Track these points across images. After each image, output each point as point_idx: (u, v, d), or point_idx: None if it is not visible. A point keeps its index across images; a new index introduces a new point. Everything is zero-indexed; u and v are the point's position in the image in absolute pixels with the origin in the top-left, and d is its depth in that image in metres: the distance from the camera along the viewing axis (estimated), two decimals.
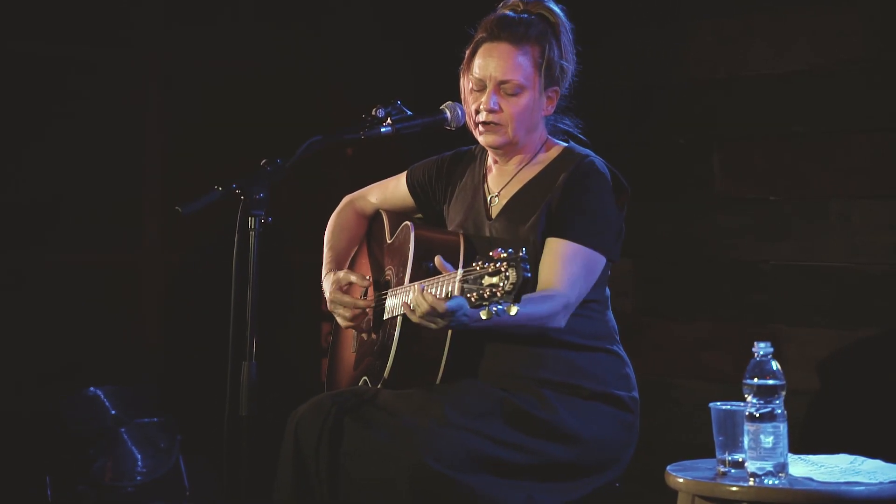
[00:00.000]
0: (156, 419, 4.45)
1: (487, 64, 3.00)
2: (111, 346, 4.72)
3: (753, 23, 4.25)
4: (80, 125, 4.68)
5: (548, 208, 2.97)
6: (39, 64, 4.63)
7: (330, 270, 3.29)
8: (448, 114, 3.07)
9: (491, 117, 3.00)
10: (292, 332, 4.86)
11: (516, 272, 2.43)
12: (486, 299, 2.48)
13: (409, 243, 3.04)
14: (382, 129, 2.98)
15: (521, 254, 2.45)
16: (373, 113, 2.98)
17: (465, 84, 3.08)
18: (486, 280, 2.48)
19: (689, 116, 4.42)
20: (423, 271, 2.96)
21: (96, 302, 4.72)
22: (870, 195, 3.99)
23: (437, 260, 2.70)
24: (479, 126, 3.03)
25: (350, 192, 3.49)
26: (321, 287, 3.30)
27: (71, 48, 4.68)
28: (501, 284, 2.45)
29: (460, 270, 2.58)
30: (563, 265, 2.84)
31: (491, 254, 2.50)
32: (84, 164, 4.70)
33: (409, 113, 3.01)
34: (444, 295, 2.67)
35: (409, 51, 5.07)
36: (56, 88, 4.65)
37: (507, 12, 3.06)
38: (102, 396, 4.44)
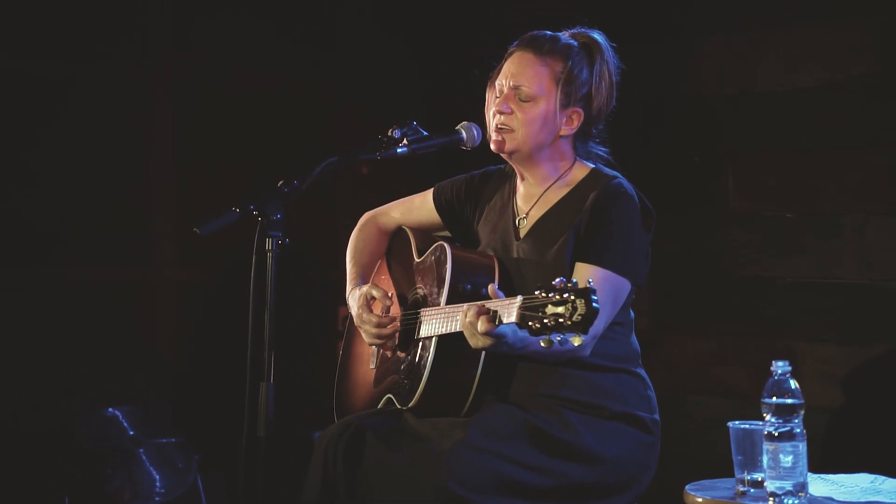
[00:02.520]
0: (174, 439, 4.46)
1: (509, 70, 3.03)
2: (126, 364, 4.72)
3: (764, 38, 4.26)
4: (91, 140, 4.69)
5: (576, 231, 2.97)
6: (48, 81, 4.64)
7: (355, 286, 3.28)
8: (464, 134, 3.08)
9: (501, 119, 3.01)
10: (308, 352, 4.86)
11: (586, 304, 2.43)
12: (549, 328, 2.47)
13: (445, 264, 3.03)
14: (399, 150, 2.98)
15: (589, 285, 2.45)
16: (389, 133, 2.99)
17: (490, 95, 3.10)
18: (550, 309, 2.47)
19: (700, 132, 4.43)
20: (461, 293, 2.96)
21: (110, 320, 4.72)
22: (883, 210, 3.99)
23: (491, 288, 2.69)
24: (493, 133, 3.04)
25: (366, 211, 3.49)
26: (340, 305, 3.30)
27: (79, 63, 4.69)
28: (567, 315, 2.44)
29: (520, 297, 2.56)
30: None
31: (553, 283, 2.49)
32: (98, 181, 4.70)
33: (425, 133, 3.02)
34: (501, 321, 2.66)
35: (420, 63, 5.08)
36: (66, 104, 4.66)
37: (546, 31, 3.07)
38: (120, 417, 4.45)
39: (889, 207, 3.98)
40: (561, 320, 2.45)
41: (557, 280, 2.49)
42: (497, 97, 3.05)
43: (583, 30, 3.10)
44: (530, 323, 2.51)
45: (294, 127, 5.06)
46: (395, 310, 3.22)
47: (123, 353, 4.72)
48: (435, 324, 2.95)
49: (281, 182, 2.79)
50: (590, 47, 3.06)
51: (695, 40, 4.44)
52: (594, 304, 2.42)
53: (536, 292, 2.51)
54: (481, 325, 2.65)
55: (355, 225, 3.46)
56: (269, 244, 2.73)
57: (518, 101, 3.00)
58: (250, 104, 5.01)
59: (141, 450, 4.41)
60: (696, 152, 4.43)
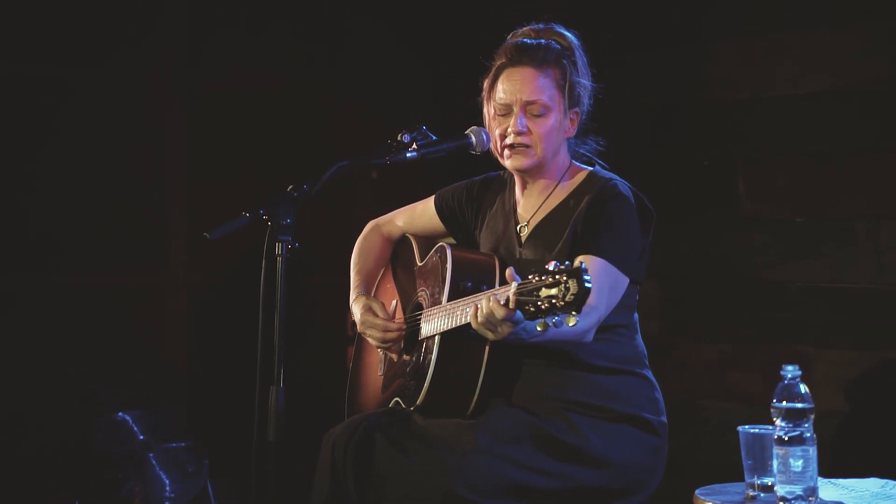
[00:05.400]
0: (184, 443, 4.46)
1: (512, 87, 3.03)
2: (135, 368, 4.73)
3: (777, 43, 4.25)
4: (102, 145, 4.70)
5: (573, 230, 2.99)
6: (57, 85, 4.66)
7: (359, 294, 3.30)
8: (473, 138, 3.08)
9: (519, 139, 3.02)
10: (318, 356, 4.87)
11: (577, 283, 2.45)
12: (543, 311, 2.49)
13: (446, 263, 3.06)
14: (408, 155, 2.99)
15: (580, 265, 2.47)
16: (398, 138, 3.00)
17: (489, 110, 3.10)
18: (544, 292, 2.49)
19: (712, 136, 4.42)
20: (462, 290, 2.98)
21: (120, 324, 4.73)
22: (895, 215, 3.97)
23: (509, 272, 2.67)
24: (507, 150, 3.04)
25: (375, 216, 3.51)
26: (349, 310, 3.31)
27: (90, 68, 4.70)
28: (560, 295, 2.47)
29: (514, 283, 2.58)
30: (592, 280, 2.83)
31: (547, 266, 2.51)
32: (107, 185, 4.72)
33: (434, 138, 3.02)
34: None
35: (430, 66, 5.09)
36: (76, 109, 4.67)
37: (524, 39, 3.08)
38: (130, 421, 4.46)
39: None
40: (554, 301, 2.47)
41: (552, 264, 2.50)
42: (499, 115, 3.05)
43: (552, 26, 3.12)
44: (527, 307, 2.53)
45: (305, 130, 5.07)
46: (400, 315, 3.24)
47: (134, 358, 4.73)
48: (436, 322, 2.97)
49: (291, 186, 2.79)
50: (564, 45, 3.09)
51: (706, 45, 4.43)
52: (586, 284, 2.44)
53: (530, 276, 2.54)
54: (498, 312, 2.65)
55: (364, 223, 3.48)
56: (278, 248, 2.74)
57: (531, 117, 3.01)
58: (261, 108, 5.02)
59: (151, 454, 4.42)
60: (708, 157, 4.43)
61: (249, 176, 4.85)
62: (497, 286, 2.96)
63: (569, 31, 3.12)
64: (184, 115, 4.91)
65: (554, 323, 2.49)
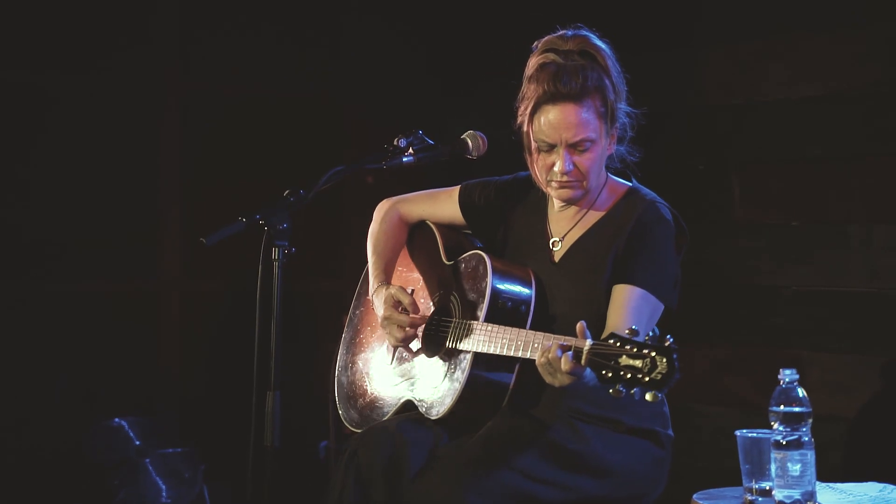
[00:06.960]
0: (180, 449, 4.46)
1: (556, 126, 2.93)
2: (132, 375, 4.72)
3: (770, 47, 4.26)
4: (96, 151, 4.69)
5: (615, 254, 2.96)
6: (55, 93, 4.65)
7: (381, 283, 3.21)
8: (469, 143, 3.06)
9: (566, 178, 2.96)
10: (315, 360, 4.85)
11: (669, 364, 2.41)
12: (623, 380, 2.43)
13: (486, 277, 3.00)
14: (404, 159, 2.98)
15: (669, 342, 2.42)
16: (394, 143, 2.98)
17: (529, 143, 3.00)
18: (625, 360, 2.45)
19: (706, 141, 4.43)
20: (500, 308, 2.94)
21: (115, 331, 4.72)
22: (889, 219, 3.98)
23: (580, 327, 2.61)
24: (553, 182, 2.98)
25: (370, 221, 3.46)
26: (345, 313, 3.28)
27: (87, 75, 4.69)
28: (645, 370, 2.42)
29: (588, 341, 2.54)
30: (634, 313, 2.84)
31: (628, 333, 2.47)
32: (102, 192, 4.71)
33: (431, 142, 3.01)
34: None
35: (430, 68, 5.09)
36: (72, 116, 4.67)
37: (557, 61, 2.95)
38: (126, 427, 4.45)
39: (895, 216, 3.97)
40: (640, 376, 2.43)
41: (633, 327, 2.48)
42: (542, 150, 2.96)
43: (581, 33, 3.01)
44: (603, 371, 2.49)
45: (301, 135, 5.07)
46: (419, 308, 3.17)
47: (130, 364, 4.72)
48: (473, 341, 2.92)
49: (287, 191, 2.79)
50: (600, 62, 2.98)
51: (701, 51, 4.44)
52: (676, 364, 2.40)
53: (611, 341, 2.50)
54: (565, 364, 2.60)
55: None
56: (275, 253, 2.74)
57: (577, 153, 2.94)
58: (255, 112, 5.02)
59: (147, 460, 4.41)
60: (702, 162, 4.43)
61: (245, 181, 4.85)
62: (532, 307, 2.94)
63: (601, 41, 3.00)
64: (178, 120, 4.90)
65: (632, 394, 2.44)
